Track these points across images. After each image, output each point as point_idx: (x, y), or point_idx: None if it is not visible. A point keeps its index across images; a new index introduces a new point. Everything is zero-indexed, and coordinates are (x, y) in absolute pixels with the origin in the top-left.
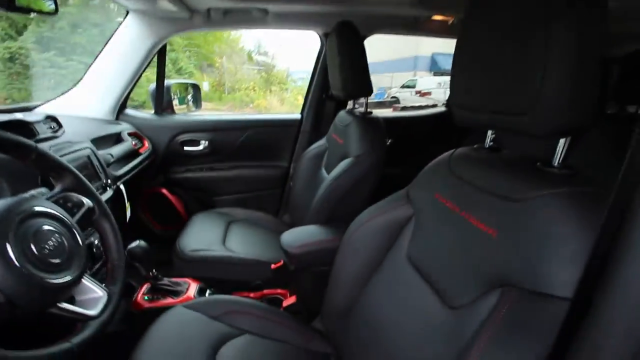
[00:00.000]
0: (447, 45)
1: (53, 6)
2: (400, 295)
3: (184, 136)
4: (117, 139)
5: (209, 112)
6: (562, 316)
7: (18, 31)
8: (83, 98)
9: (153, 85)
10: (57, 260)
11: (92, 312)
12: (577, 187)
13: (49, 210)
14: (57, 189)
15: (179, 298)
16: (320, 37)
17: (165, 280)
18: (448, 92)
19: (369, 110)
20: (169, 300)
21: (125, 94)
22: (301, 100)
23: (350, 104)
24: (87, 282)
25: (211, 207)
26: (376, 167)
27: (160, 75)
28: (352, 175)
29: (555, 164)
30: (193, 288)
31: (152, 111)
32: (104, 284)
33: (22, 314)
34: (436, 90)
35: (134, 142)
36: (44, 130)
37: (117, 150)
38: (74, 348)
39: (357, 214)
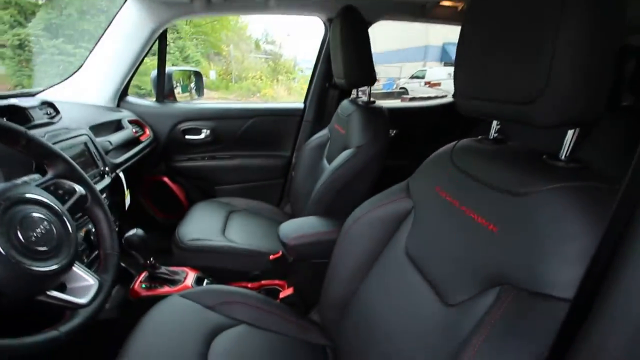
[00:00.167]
0: (458, 35)
1: None
2: (397, 290)
3: (185, 124)
4: (117, 126)
5: (211, 100)
6: (562, 318)
7: (27, 18)
8: (84, 84)
9: (155, 73)
10: (44, 248)
11: (82, 301)
12: (584, 182)
13: (37, 197)
14: (49, 175)
15: (176, 287)
16: (324, 23)
17: (163, 269)
18: None
19: (372, 99)
20: (166, 289)
21: (126, 80)
22: None
23: (354, 93)
24: (78, 270)
25: (212, 196)
26: (378, 158)
27: (162, 62)
28: (353, 166)
29: (562, 157)
30: (191, 277)
31: (154, 99)
32: (96, 272)
33: (8, 302)
34: (446, 81)
35: (134, 130)
36: (39, 116)
37: (116, 137)
38: (62, 336)
39: (357, 205)
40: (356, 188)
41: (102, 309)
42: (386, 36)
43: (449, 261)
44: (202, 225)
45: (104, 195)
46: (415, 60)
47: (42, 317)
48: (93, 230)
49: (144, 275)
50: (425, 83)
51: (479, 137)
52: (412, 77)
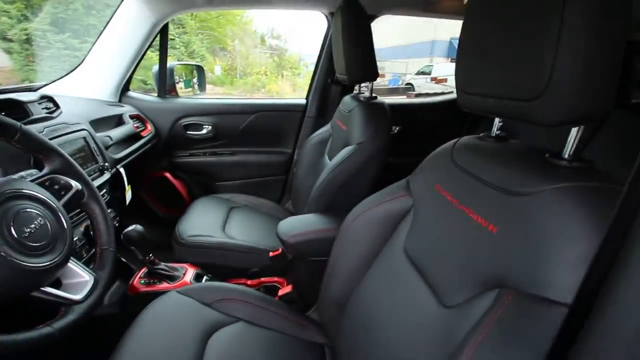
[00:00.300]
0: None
1: None
2: (395, 290)
3: (187, 120)
4: (118, 121)
5: (212, 96)
6: (560, 322)
7: (34, 12)
8: (86, 79)
9: (156, 67)
10: (38, 244)
11: (76, 297)
12: (587, 182)
13: (32, 192)
14: (45, 170)
15: (174, 283)
16: (326, 17)
17: (162, 265)
18: None
19: (374, 95)
20: (164, 285)
21: (128, 75)
22: None
23: (356, 89)
24: (74, 266)
25: (213, 192)
26: (379, 155)
27: (163, 57)
28: (353, 163)
29: (566, 156)
30: (190, 273)
31: (156, 93)
32: (92, 269)
33: (1, 297)
34: (452, 77)
35: (135, 125)
36: (38, 111)
37: (116, 132)
38: (55, 333)
39: (357, 203)
40: (356, 185)
41: (98, 306)
42: (393, 31)
43: (447, 262)
44: (202, 222)
45: (104, 190)
46: (422, 56)
47: (38, 314)
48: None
49: (143, 271)
50: (432, 79)
51: (481, 134)
52: (419, 73)
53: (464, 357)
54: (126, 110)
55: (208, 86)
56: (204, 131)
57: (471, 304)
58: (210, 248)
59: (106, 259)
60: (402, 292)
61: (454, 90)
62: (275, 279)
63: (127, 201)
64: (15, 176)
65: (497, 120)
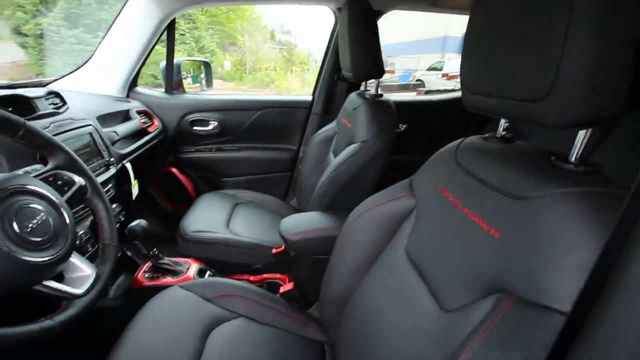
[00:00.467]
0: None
1: None
2: (396, 291)
3: (193, 116)
4: (125, 116)
5: (225, 92)
6: (559, 331)
7: (48, 7)
8: (95, 74)
9: (164, 63)
10: (39, 239)
11: (78, 291)
12: (593, 187)
13: (35, 188)
14: (49, 166)
15: (178, 278)
16: (333, 12)
17: (166, 260)
18: None
19: (380, 92)
20: (168, 280)
21: (136, 70)
22: None
23: (363, 86)
24: (76, 260)
25: (219, 188)
26: (383, 153)
27: (170, 53)
28: (357, 161)
29: (572, 159)
30: (193, 269)
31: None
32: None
33: (3, 291)
34: None
35: (142, 121)
36: (45, 107)
37: (123, 128)
38: (56, 326)
39: (360, 201)
40: (360, 183)
41: (100, 299)
42: (404, 26)
43: (447, 265)
44: (206, 217)
45: (110, 185)
46: (433, 52)
47: (40, 307)
48: None
49: (147, 265)
50: (443, 75)
51: (487, 134)
52: (430, 69)
53: None
54: (133, 105)
55: (218, 81)
56: (210, 127)
57: (470, 309)
58: (213, 244)
59: (108, 254)
60: (402, 294)
61: None
62: (278, 275)
63: (134, 196)
64: (20, 171)
65: (502, 120)
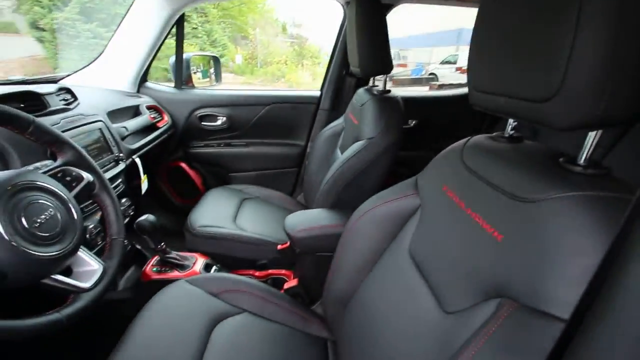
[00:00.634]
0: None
1: None
2: (397, 292)
3: (202, 111)
4: (135, 111)
5: (228, 87)
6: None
7: (64, 2)
8: (106, 70)
9: (173, 58)
10: (48, 234)
11: (85, 285)
12: (601, 192)
13: (43, 184)
14: (58, 162)
15: (184, 272)
16: (342, 6)
17: (174, 254)
18: None
19: (387, 89)
20: (175, 274)
21: (146, 66)
22: None
23: (371, 82)
24: (84, 254)
25: (227, 182)
26: (390, 151)
27: (179, 48)
28: (363, 158)
29: (581, 161)
30: (199, 263)
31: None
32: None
33: (12, 284)
34: None
35: (152, 116)
36: (55, 103)
37: (132, 123)
38: (63, 319)
39: (366, 198)
40: (366, 181)
41: (106, 293)
42: (417, 19)
43: (450, 267)
44: (213, 212)
45: (119, 180)
46: (447, 44)
47: (49, 300)
48: None
49: (155, 258)
50: (457, 69)
51: (494, 133)
52: (443, 62)
53: None
54: (143, 101)
55: (229, 75)
56: (219, 122)
57: (471, 313)
58: (220, 239)
59: (115, 248)
60: (404, 295)
61: None
62: (283, 271)
63: (143, 191)
64: (31, 167)
65: (511, 119)
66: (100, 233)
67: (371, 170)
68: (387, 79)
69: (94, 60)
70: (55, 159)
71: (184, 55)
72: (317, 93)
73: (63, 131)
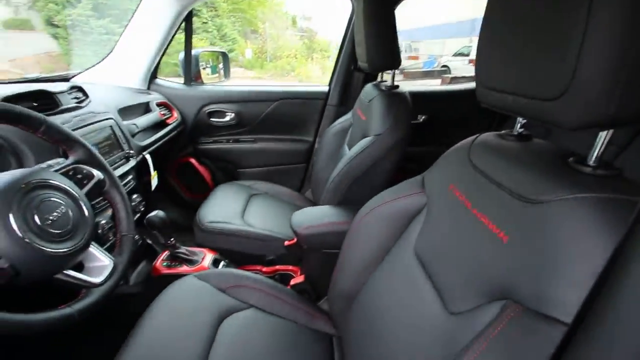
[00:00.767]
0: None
1: None
2: (402, 291)
3: (211, 107)
4: (145, 108)
5: (237, 83)
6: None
7: None
8: (117, 67)
9: (182, 55)
10: (60, 231)
11: (96, 280)
12: (610, 193)
13: (55, 182)
14: (69, 160)
15: (193, 267)
16: (351, 0)
17: (183, 249)
18: None
19: (395, 84)
20: (184, 269)
21: (155, 62)
22: None
23: (380, 77)
24: (95, 250)
25: (236, 178)
26: (397, 148)
27: (188, 44)
28: (370, 155)
29: (591, 162)
30: (208, 258)
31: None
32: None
33: (25, 280)
34: None
35: (162, 113)
36: (67, 101)
37: (142, 120)
38: (74, 314)
39: (373, 195)
40: (373, 177)
41: (116, 288)
42: (429, 10)
43: (455, 267)
44: (222, 208)
45: (130, 177)
46: (460, 36)
47: (61, 295)
48: None
49: (165, 253)
50: (470, 61)
51: (503, 131)
52: (456, 54)
53: None
54: (153, 97)
55: (239, 69)
56: (227, 118)
57: (475, 314)
58: (228, 235)
59: (125, 244)
60: (409, 294)
61: None
62: (290, 267)
63: (153, 187)
64: (44, 165)
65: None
66: (112, 229)
67: (378, 166)
68: (398, 72)
69: (104, 58)
70: (67, 157)
71: (193, 52)
72: (325, 88)
73: (74, 129)
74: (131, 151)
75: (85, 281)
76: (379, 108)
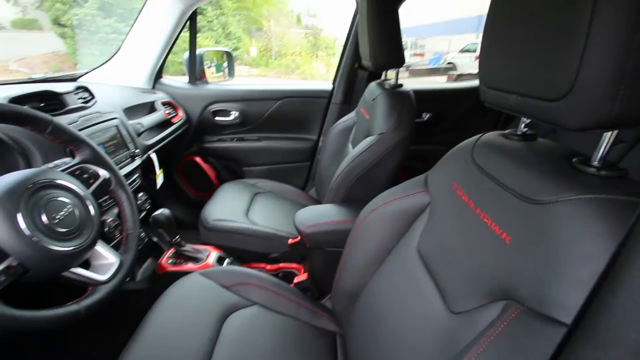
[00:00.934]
0: None
1: None
2: (405, 290)
3: (215, 106)
4: (151, 108)
5: (244, 78)
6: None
7: None
8: (122, 67)
9: (187, 54)
10: (66, 230)
11: (102, 277)
12: (614, 195)
13: (62, 181)
14: (76, 160)
15: (198, 265)
16: None
17: (188, 247)
18: None
19: (399, 83)
20: (189, 266)
21: (160, 62)
22: None
23: (384, 75)
24: (101, 248)
25: (241, 177)
26: (401, 146)
27: (193, 44)
28: (374, 154)
29: (595, 162)
30: (213, 256)
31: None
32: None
33: (33, 278)
34: None
35: (167, 112)
36: (74, 101)
37: (148, 120)
38: (81, 311)
39: (376, 194)
40: (377, 176)
41: (122, 285)
42: (435, 6)
43: (457, 267)
44: (226, 206)
45: (136, 175)
46: (466, 32)
47: (68, 292)
48: None
49: (171, 251)
50: (476, 57)
51: (507, 130)
52: (462, 51)
53: None
54: (158, 97)
55: (244, 67)
56: (232, 117)
57: (477, 314)
58: (232, 233)
59: (131, 243)
60: (411, 293)
61: None
62: (294, 265)
63: (158, 185)
64: (51, 164)
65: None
66: (118, 227)
67: (382, 165)
68: (404, 69)
69: (110, 58)
70: (73, 157)
71: (198, 51)
72: (329, 87)
73: (81, 129)
74: (137, 150)
75: (91, 279)
76: (382, 107)
